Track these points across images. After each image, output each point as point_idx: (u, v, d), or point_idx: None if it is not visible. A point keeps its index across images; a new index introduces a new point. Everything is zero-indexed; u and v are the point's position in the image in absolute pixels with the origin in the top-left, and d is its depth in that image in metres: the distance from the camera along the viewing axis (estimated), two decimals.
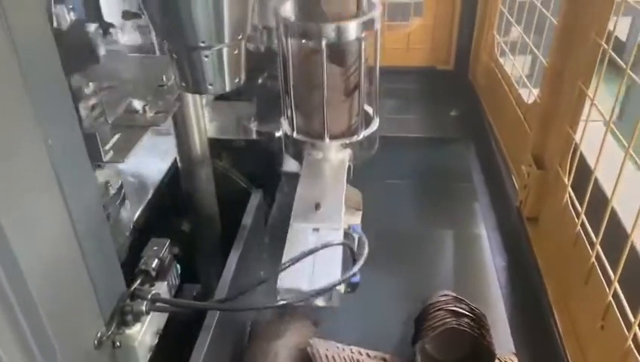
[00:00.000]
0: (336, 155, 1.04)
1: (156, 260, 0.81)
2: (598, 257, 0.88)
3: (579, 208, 0.97)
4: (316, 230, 0.90)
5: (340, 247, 0.84)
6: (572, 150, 1.05)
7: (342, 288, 0.79)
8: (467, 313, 1.20)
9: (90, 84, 0.84)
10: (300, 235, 0.89)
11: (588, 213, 0.95)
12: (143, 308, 0.74)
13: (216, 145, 1.43)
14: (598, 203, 0.96)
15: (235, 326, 1.30)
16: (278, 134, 1.10)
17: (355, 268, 0.78)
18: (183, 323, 1.38)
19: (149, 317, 0.77)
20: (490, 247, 1.28)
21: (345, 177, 1.00)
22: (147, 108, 0.90)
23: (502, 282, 1.21)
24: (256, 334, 1.34)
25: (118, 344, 0.74)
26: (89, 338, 0.69)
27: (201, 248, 1.51)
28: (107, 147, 0.81)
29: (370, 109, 1.09)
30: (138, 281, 0.78)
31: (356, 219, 1.06)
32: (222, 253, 1.46)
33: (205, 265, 1.54)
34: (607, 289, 0.83)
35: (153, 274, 0.80)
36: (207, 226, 1.46)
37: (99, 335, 0.70)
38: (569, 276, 0.99)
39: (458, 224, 1.64)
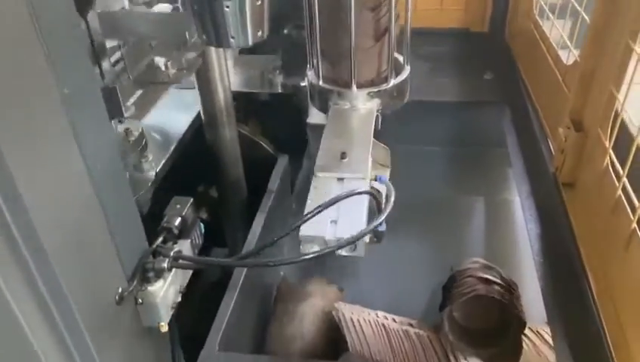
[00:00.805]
0: (364, 104, 0.98)
1: (179, 218, 0.80)
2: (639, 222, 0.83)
3: (620, 171, 0.91)
4: (341, 180, 0.86)
5: (366, 197, 0.81)
6: (614, 112, 0.99)
7: (367, 238, 0.76)
8: (497, 280, 1.17)
9: (114, 39, 0.82)
10: (325, 185, 0.86)
11: (629, 178, 0.90)
12: (165, 264, 0.73)
13: (240, 99, 1.40)
14: None
15: (261, 287, 1.30)
16: (303, 84, 1.06)
17: (382, 218, 0.75)
18: (210, 284, 1.39)
19: (172, 274, 0.76)
20: (524, 214, 1.23)
21: (372, 127, 0.96)
22: (169, 64, 0.88)
23: (535, 250, 1.17)
24: (283, 296, 1.34)
25: (140, 301, 0.74)
26: (110, 293, 0.69)
27: (227, 213, 1.51)
28: (128, 103, 0.80)
29: (400, 57, 1.03)
30: (160, 239, 0.77)
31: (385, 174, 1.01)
32: (248, 217, 1.46)
33: (232, 230, 1.55)
34: None
35: (176, 232, 0.79)
36: (234, 191, 1.45)
37: (120, 290, 0.70)
38: (608, 243, 0.94)
39: (491, 190, 1.60)
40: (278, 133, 1.66)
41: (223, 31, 0.77)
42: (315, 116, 1.44)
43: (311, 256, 0.78)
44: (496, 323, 1.18)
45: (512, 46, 1.80)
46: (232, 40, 0.78)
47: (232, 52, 1.59)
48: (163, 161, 1.11)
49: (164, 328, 0.77)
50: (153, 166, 1.04)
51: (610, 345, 0.87)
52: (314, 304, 1.28)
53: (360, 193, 0.79)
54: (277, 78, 1.49)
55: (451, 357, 1.08)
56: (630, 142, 0.97)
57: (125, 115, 0.78)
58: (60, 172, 0.58)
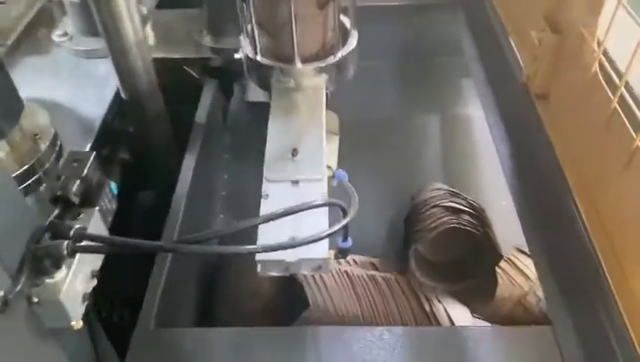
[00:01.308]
0: (310, 82, 0.85)
1: (78, 181, 0.59)
2: None
3: (615, 80, 0.78)
4: (295, 183, 0.76)
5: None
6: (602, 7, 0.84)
7: (331, 255, 0.68)
8: (466, 208, 1.05)
9: None
10: (277, 192, 0.76)
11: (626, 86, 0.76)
12: (64, 249, 0.53)
13: (164, 67, 1.20)
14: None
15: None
16: (237, 56, 0.90)
17: (339, 226, 0.64)
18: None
19: (77, 258, 0.57)
20: (491, 132, 1.10)
21: (323, 110, 0.84)
22: None
23: (507, 170, 1.04)
24: (228, 262, 1.17)
25: (35, 299, 0.54)
26: None
27: (150, 152, 1.29)
28: None
29: (346, 21, 0.88)
30: (55, 212, 0.57)
31: (333, 145, 0.90)
32: (176, 155, 1.26)
33: (157, 171, 1.34)
34: None
35: (76, 200, 0.58)
36: (155, 128, 1.23)
37: (2, 294, 0.50)
38: (600, 162, 0.82)
39: (449, 106, 1.46)
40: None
41: None
42: (254, 92, 1.30)
43: (253, 248, 0.64)
44: (468, 255, 1.08)
45: None
46: None
47: (148, 6, 1.34)
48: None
49: (78, 326, 0.59)
50: None
51: (605, 271, 0.77)
52: None
53: (316, 206, 0.66)
54: (204, 39, 1.28)
55: (422, 299, 0.97)
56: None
57: None
58: None
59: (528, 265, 1.07)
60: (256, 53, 0.85)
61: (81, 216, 0.60)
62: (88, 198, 0.61)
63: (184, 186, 1.12)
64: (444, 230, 0.98)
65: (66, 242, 0.54)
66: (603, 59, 0.83)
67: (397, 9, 1.50)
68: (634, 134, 0.72)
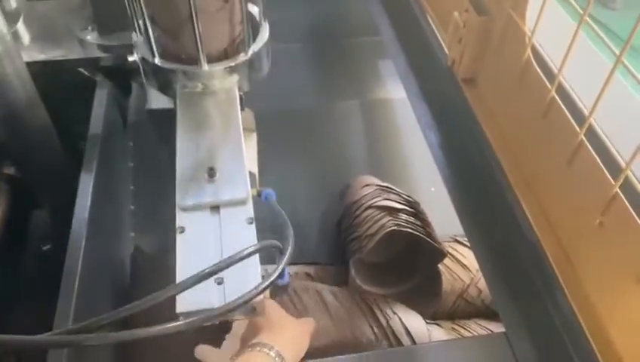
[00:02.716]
0: (220, 84, 0.75)
1: None
2: (590, 132, 0.67)
3: (553, 68, 0.73)
4: (215, 209, 0.65)
5: (252, 223, 0.63)
6: None
7: (267, 294, 0.59)
8: (402, 205, 0.99)
9: None
10: (195, 222, 0.64)
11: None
12: None
13: (41, 73, 1.02)
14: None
15: (108, 269, 0.98)
16: (132, 58, 0.77)
17: (279, 268, 0.55)
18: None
19: None
20: (418, 119, 1.04)
21: (239, 118, 0.74)
22: None
23: (438, 158, 0.99)
24: (143, 269, 1.04)
25: None
26: None
27: (37, 167, 1.12)
28: None
29: (254, 10, 0.78)
30: None
31: (251, 143, 0.84)
32: (68, 168, 1.10)
33: (48, 187, 1.17)
34: (612, 179, 0.62)
35: None
36: (39, 138, 1.05)
37: None
38: (539, 152, 0.79)
39: (365, 91, 1.38)
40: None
41: None
42: (156, 100, 1.11)
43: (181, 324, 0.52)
44: (407, 255, 1.03)
45: None
46: None
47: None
48: None
49: None
50: None
51: (552, 264, 0.74)
52: None
53: (246, 256, 0.55)
54: (89, 36, 1.11)
55: (378, 313, 0.91)
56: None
57: None
58: None
59: (467, 256, 1.04)
60: (153, 55, 0.73)
61: None
62: None
63: (84, 204, 0.96)
64: (383, 234, 0.92)
65: None
66: (536, 44, 0.78)
67: None
68: (577, 128, 0.69)
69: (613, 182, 0.62)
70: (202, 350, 0.72)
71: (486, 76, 0.94)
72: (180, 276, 0.59)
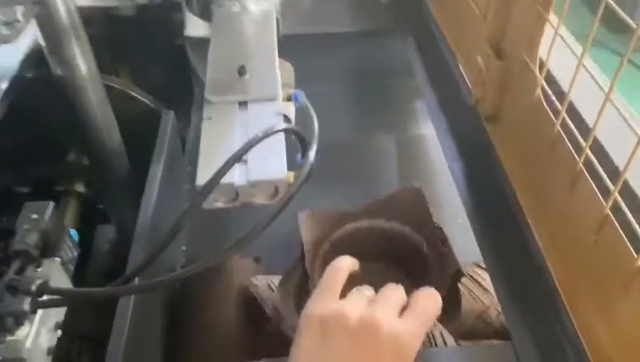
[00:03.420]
0: (257, 4, 0.78)
1: (37, 234, 0.58)
2: (587, 162, 0.75)
3: (557, 105, 0.82)
4: (243, 104, 0.67)
5: (280, 119, 0.65)
6: (542, 36, 0.89)
7: (290, 176, 0.61)
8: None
9: None
10: (222, 114, 0.66)
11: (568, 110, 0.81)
12: (26, 306, 0.53)
13: (94, 19, 1.10)
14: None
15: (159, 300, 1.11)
16: None
17: (311, 156, 0.59)
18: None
19: (40, 313, 0.56)
20: (444, 152, 1.14)
21: (275, 32, 0.76)
22: None
23: (461, 189, 1.08)
24: (192, 277, 1.16)
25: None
26: None
27: (107, 185, 1.27)
28: None
29: None
30: (14, 268, 0.56)
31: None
32: (134, 187, 1.24)
33: (115, 204, 1.32)
34: (603, 201, 0.70)
35: (36, 253, 0.57)
36: (110, 160, 1.21)
37: None
38: (547, 183, 0.87)
39: (400, 127, 1.49)
40: (155, 81, 1.41)
41: None
42: (194, 27, 1.19)
43: (228, 249, 0.60)
44: (431, 276, 1.11)
45: None
46: None
47: None
48: None
49: None
50: None
51: (560, 294, 0.81)
52: (229, 281, 1.12)
53: (281, 131, 0.60)
54: None
55: None
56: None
57: None
58: None
59: (487, 279, 1.10)
60: None
61: (42, 267, 0.59)
62: (49, 249, 0.60)
63: (146, 219, 1.10)
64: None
65: (27, 299, 0.53)
66: (544, 84, 0.87)
67: (349, 35, 1.54)
68: (576, 157, 0.77)
69: (604, 204, 0.70)
70: None
71: (506, 114, 1.04)
72: (203, 159, 0.63)
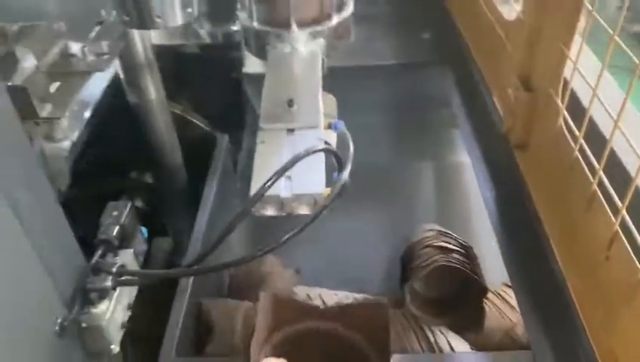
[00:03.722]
0: (306, 47, 0.88)
1: (117, 227, 0.70)
2: (600, 183, 0.82)
3: (576, 132, 0.90)
4: (291, 131, 0.78)
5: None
6: (564, 69, 0.97)
7: (327, 191, 0.70)
8: (456, 248, 1.15)
9: (13, 25, 0.69)
10: (273, 138, 0.77)
11: (585, 138, 0.88)
12: (108, 283, 0.65)
13: (164, 57, 1.27)
14: (592, 129, 0.89)
15: (212, 281, 1.23)
16: (235, 28, 0.94)
17: (345, 174, 0.68)
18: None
19: (117, 291, 0.68)
20: (477, 177, 1.21)
21: (320, 71, 0.87)
22: (86, 50, 0.77)
23: (491, 213, 1.15)
24: (237, 285, 1.27)
25: (84, 325, 0.65)
26: (48, 324, 0.60)
27: (167, 200, 1.42)
28: (43, 101, 0.68)
29: None
30: (99, 253, 0.68)
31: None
32: (190, 203, 1.37)
33: (173, 218, 1.46)
34: (613, 218, 0.77)
35: (116, 243, 0.70)
36: (172, 177, 1.35)
37: (59, 320, 0.61)
38: (567, 205, 0.93)
39: (440, 153, 1.58)
40: (212, 109, 1.56)
41: (147, 10, 0.67)
42: (252, 65, 1.30)
43: (270, 247, 0.71)
44: (457, 290, 1.17)
45: (449, 5, 1.75)
46: (157, 20, 0.68)
47: None
48: (80, 129, 0.95)
49: (116, 350, 0.69)
50: (68, 135, 0.88)
51: (577, 307, 0.87)
52: (271, 290, 1.22)
53: (320, 150, 0.70)
54: (203, 26, 1.33)
55: (427, 331, 1.06)
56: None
57: (41, 114, 0.68)
58: None
59: (515, 298, 1.16)
60: (252, 20, 0.89)
61: (119, 256, 0.71)
62: (125, 241, 0.73)
63: (200, 231, 1.22)
64: (434, 267, 1.08)
65: (110, 277, 0.65)
66: (566, 114, 0.95)
67: (391, 67, 1.65)
68: (591, 178, 0.84)
69: (614, 220, 0.77)
70: None
71: (533, 142, 1.11)
72: (256, 175, 0.73)
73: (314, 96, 0.82)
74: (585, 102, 0.96)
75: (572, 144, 0.91)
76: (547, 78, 1.02)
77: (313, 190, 0.70)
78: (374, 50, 1.66)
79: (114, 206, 0.74)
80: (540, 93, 1.06)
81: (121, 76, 1.05)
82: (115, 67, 1.09)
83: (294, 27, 0.86)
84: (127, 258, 0.71)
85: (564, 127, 0.95)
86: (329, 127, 0.84)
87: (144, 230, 0.79)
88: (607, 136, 0.83)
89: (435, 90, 1.59)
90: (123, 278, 0.66)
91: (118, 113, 1.17)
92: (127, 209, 0.73)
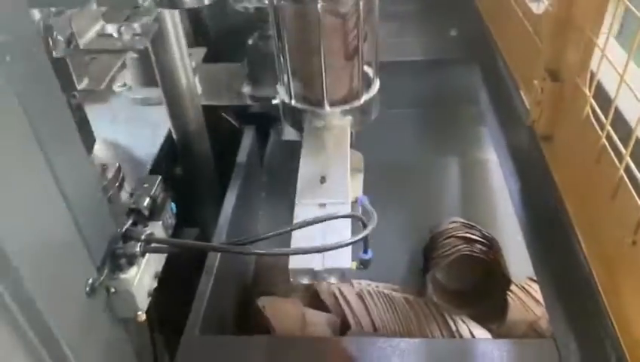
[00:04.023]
0: (337, 122, 0.98)
1: (148, 198, 0.73)
2: (627, 169, 0.81)
3: (603, 119, 0.89)
4: (322, 205, 0.87)
5: (349, 222, 0.82)
6: (592, 59, 0.96)
7: (353, 265, 0.78)
8: (479, 238, 1.15)
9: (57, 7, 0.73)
10: (307, 212, 0.85)
11: (612, 126, 0.87)
12: (137, 249, 0.67)
13: (208, 114, 1.36)
14: (618, 117, 0.89)
15: (238, 265, 1.25)
16: (275, 101, 1.04)
17: (361, 236, 0.75)
18: (185, 268, 1.33)
19: (145, 259, 0.70)
20: (502, 170, 1.21)
21: (348, 146, 0.96)
22: (123, 30, 0.80)
23: (517, 205, 1.15)
24: (265, 265, 1.29)
25: (113, 290, 0.67)
26: (79, 285, 0.62)
27: (196, 191, 1.45)
28: (82, 74, 0.72)
29: (369, 70, 1.02)
30: (129, 222, 0.71)
31: (358, 181, 1.02)
32: (218, 194, 1.40)
33: (202, 208, 1.48)
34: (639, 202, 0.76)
35: (146, 213, 0.73)
36: (201, 168, 1.39)
37: (90, 281, 0.63)
38: (593, 193, 0.93)
39: (466, 149, 1.58)
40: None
41: None
42: (288, 134, 1.40)
43: (287, 251, 0.76)
44: (480, 281, 1.17)
45: (478, 1, 1.76)
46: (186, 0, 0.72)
47: (197, 60, 1.52)
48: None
49: (142, 317, 0.71)
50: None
51: (602, 295, 0.86)
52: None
53: (340, 217, 0.79)
54: (245, 89, 1.45)
55: (448, 319, 1.06)
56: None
57: (79, 87, 0.71)
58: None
59: (540, 292, 1.15)
60: (290, 98, 0.99)
61: (148, 226, 0.74)
62: (155, 213, 0.75)
63: (225, 222, 1.25)
64: (457, 257, 1.08)
65: (139, 244, 0.67)
66: (593, 103, 0.94)
67: (419, 63, 1.66)
68: (618, 164, 0.83)
69: None
70: None
71: (558, 133, 1.10)
72: (293, 243, 0.81)
73: (343, 174, 0.91)
74: (610, 93, 0.96)
75: (599, 131, 0.91)
76: (575, 68, 1.02)
77: (341, 264, 0.78)
78: (404, 46, 1.67)
79: (145, 178, 0.76)
80: (567, 83, 1.06)
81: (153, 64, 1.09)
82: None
83: (327, 107, 0.95)
84: (156, 228, 0.74)
85: (591, 116, 0.95)
86: (355, 201, 0.90)
87: (173, 205, 0.81)
88: (632, 124, 0.83)
89: (463, 87, 1.59)
90: (152, 246, 0.69)
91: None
92: (158, 182, 0.76)
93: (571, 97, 1.04)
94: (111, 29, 0.80)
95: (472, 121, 1.59)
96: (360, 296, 1.07)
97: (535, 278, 1.20)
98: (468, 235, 1.14)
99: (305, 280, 0.81)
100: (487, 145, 1.55)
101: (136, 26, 0.82)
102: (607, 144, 0.88)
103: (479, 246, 1.11)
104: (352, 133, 1.01)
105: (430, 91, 1.65)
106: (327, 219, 0.76)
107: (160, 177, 0.77)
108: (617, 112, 0.88)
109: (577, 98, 1.01)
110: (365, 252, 0.81)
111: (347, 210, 0.87)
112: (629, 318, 0.79)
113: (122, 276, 0.68)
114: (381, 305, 1.05)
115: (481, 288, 1.14)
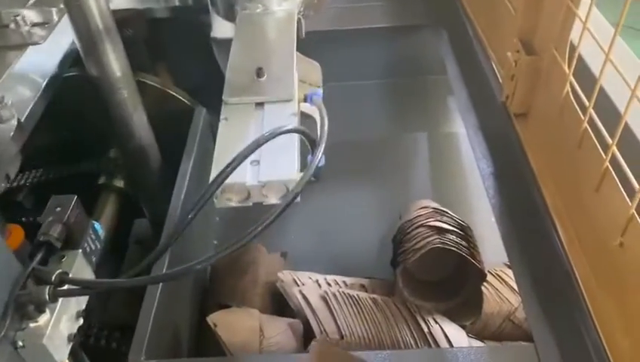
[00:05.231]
0: (279, 6, 0.80)
1: (60, 226, 0.61)
2: (613, 160, 0.72)
3: (585, 101, 0.80)
4: (260, 105, 0.68)
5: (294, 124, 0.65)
6: (571, 30, 0.86)
7: (297, 176, 0.61)
8: (451, 227, 1.07)
9: None
10: (238, 115, 0.67)
11: (595, 108, 0.78)
12: (46, 295, 0.56)
13: (132, 20, 1.16)
14: (603, 99, 0.79)
15: (191, 276, 1.14)
16: None
17: (317, 155, 0.59)
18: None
19: (60, 301, 0.59)
20: (474, 151, 1.11)
21: (294, 34, 0.77)
22: (20, 20, 0.66)
23: (489, 190, 1.06)
24: (220, 272, 1.19)
25: (20, 343, 0.56)
26: None
27: (140, 179, 1.32)
28: None
29: None
30: (37, 259, 0.59)
31: (315, 73, 0.87)
32: (167, 182, 1.28)
33: (148, 198, 1.36)
34: (629, 200, 0.68)
35: (58, 244, 0.61)
36: (144, 154, 1.25)
37: None
38: (574, 181, 0.84)
39: (433, 124, 1.48)
40: (191, 79, 1.45)
41: None
42: (220, 28, 1.17)
43: (237, 245, 0.62)
44: (453, 272, 1.10)
45: None
46: None
47: None
48: (30, 106, 0.83)
49: None
50: (14, 113, 0.75)
51: (580, 286, 0.79)
52: (255, 276, 1.14)
53: (287, 132, 0.61)
54: None
55: (420, 320, 0.98)
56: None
57: None
58: None
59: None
60: None
61: (64, 259, 0.62)
62: (71, 241, 0.63)
63: (175, 212, 1.13)
64: (428, 250, 1.00)
65: (47, 287, 0.56)
66: (573, 81, 0.85)
67: (382, 30, 1.53)
68: (603, 155, 0.74)
69: (630, 204, 0.67)
70: None
71: (535, 111, 1.01)
72: (217, 158, 0.64)
73: (287, 64, 0.72)
74: (593, 68, 0.86)
75: (580, 115, 0.81)
76: (552, 39, 0.92)
77: (284, 176, 0.61)
78: (362, 11, 1.54)
79: (57, 200, 0.64)
80: (543, 57, 0.96)
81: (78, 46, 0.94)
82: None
83: None
84: (74, 261, 0.62)
85: (570, 95, 0.85)
86: (305, 99, 0.73)
87: (97, 226, 0.69)
88: (619, 107, 0.74)
89: (429, 55, 1.47)
90: (65, 288, 0.57)
91: (83, 87, 1.07)
92: (72, 203, 0.64)
93: (548, 72, 0.94)
94: (5, 17, 0.66)
95: (442, 91, 1.48)
96: (324, 300, 0.98)
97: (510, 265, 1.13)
98: (439, 224, 1.05)
99: (232, 203, 0.63)
100: (458, 117, 1.45)
101: (37, 13, 0.68)
102: (589, 129, 0.79)
103: (452, 236, 1.03)
104: (300, 22, 0.82)
105: (395, 61, 1.53)
106: (258, 146, 0.57)
107: (75, 197, 0.65)
108: (602, 92, 0.79)
109: (555, 74, 0.91)
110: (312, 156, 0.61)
111: (293, 107, 0.69)
112: (613, 321, 0.72)
113: (32, 325, 0.56)
114: (347, 309, 0.96)
115: (454, 281, 1.06)
